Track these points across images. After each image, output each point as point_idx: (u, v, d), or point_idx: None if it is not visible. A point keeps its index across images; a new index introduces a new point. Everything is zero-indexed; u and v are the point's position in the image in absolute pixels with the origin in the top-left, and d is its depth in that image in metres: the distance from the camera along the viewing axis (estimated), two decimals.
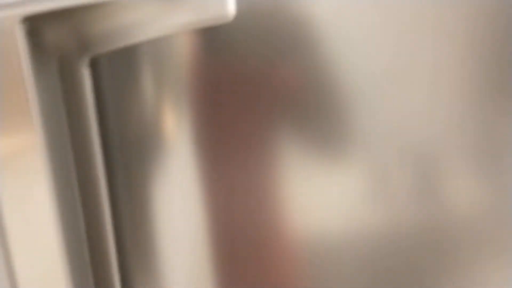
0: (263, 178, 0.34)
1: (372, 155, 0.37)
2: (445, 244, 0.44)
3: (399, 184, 0.40)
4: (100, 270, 0.29)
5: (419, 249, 0.43)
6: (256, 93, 0.30)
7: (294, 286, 0.41)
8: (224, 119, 0.30)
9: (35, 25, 0.20)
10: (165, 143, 0.28)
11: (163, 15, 0.23)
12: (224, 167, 0.32)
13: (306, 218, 0.37)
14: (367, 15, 0.32)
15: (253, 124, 0.31)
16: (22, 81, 0.19)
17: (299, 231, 0.37)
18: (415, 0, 0.35)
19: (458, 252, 0.44)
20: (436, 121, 0.40)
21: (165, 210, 0.31)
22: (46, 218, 0.22)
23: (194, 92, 0.27)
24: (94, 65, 0.24)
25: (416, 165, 0.41)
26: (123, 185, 0.29)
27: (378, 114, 0.36)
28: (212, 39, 0.27)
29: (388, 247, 0.42)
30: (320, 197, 0.36)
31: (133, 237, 0.31)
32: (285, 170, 0.34)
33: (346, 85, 0.34)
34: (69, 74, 0.22)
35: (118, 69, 0.25)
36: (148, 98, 0.26)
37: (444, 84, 0.38)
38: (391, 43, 0.34)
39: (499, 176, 0.44)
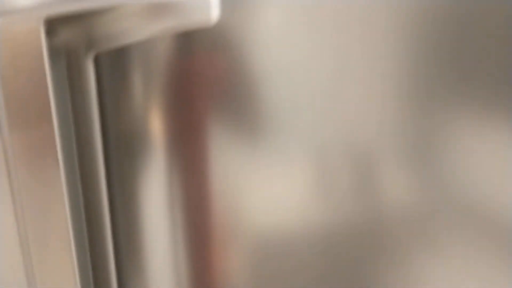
0: (214, 175, 0.38)
1: (314, 154, 0.42)
2: (382, 236, 0.49)
3: (339, 181, 0.44)
4: (98, 266, 0.32)
5: (359, 241, 0.48)
6: (210, 93, 0.34)
7: (239, 278, 0.44)
8: (192, 118, 0.34)
9: (51, 26, 0.23)
10: (150, 140, 0.31)
11: (154, 19, 0.27)
12: (194, 164, 0.35)
13: (252, 213, 0.41)
14: (305, 20, 0.37)
15: (206, 122, 0.35)
16: (43, 78, 0.22)
17: (246, 227, 0.41)
18: (352, 6, 0.40)
19: (394, 242, 0.49)
20: (372, 122, 0.45)
21: (150, 207, 0.34)
22: (61, 212, 0.25)
23: (169, 90, 0.31)
24: (96, 66, 0.27)
25: (354, 163, 0.45)
26: (117, 181, 0.31)
27: (320, 114, 0.41)
28: (187, 42, 0.30)
29: (329, 240, 0.46)
30: (267, 193, 0.40)
31: (126, 233, 0.34)
32: (233, 167, 0.38)
33: (289, 86, 0.38)
34: (76, 70, 0.25)
35: (114, 71, 0.28)
36: (136, 98, 0.29)
37: (379, 88, 0.43)
38: (331, 48, 0.39)
39: (428, 172, 0.50)
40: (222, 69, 0.32)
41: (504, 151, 0.51)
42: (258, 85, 0.36)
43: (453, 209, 0.52)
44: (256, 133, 0.38)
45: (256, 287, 0.44)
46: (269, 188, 0.40)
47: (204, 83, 0.32)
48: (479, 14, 0.47)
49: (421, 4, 0.44)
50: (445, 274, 0.54)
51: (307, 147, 0.42)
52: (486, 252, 0.56)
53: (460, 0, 0.46)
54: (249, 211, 0.41)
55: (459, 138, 0.50)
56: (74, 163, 0.27)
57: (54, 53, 0.24)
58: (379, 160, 0.47)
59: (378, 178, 0.48)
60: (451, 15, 0.45)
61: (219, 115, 0.35)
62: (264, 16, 0.33)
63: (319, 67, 0.40)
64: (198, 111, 0.33)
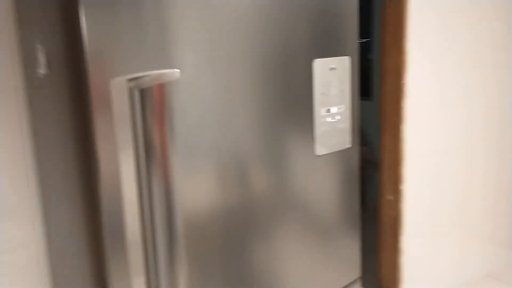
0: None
1: (214, 161, 0.67)
2: (251, 215, 0.78)
3: (228, 179, 0.68)
4: None
5: (239, 218, 0.74)
6: None
7: None
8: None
9: None
10: None
11: None
12: None
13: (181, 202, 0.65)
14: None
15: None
16: None
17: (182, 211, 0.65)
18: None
19: (257, 220, 0.77)
20: (242, 138, 0.68)
21: None
22: None
23: None
24: None
25: (235, 166, 0.69)
26: None
27: (217, 133, 0.64)
28: None
29: (226, 218, 0.72)
30: (188, 190, 0.65)
31: None
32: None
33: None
34: None
35: None
36: None
37: (242, 112, 0.64)
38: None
39: (275, 172, 0.77)
40: None
41: (308, 160, 0.81)
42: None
43: (290, 199, 0.78)
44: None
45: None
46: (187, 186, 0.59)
47: None
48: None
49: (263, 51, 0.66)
50: (288, 243, 0.81)
51: (208, 156, 0.66)
52: (309, 231, 0.84)
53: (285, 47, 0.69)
54: (182, 201, 0.65)
55: (287, 149, 0.76)
56: None
57: None
58: (248, 163, 0.71)
59: (248, 175, 0.72)
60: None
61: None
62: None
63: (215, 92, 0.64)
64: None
